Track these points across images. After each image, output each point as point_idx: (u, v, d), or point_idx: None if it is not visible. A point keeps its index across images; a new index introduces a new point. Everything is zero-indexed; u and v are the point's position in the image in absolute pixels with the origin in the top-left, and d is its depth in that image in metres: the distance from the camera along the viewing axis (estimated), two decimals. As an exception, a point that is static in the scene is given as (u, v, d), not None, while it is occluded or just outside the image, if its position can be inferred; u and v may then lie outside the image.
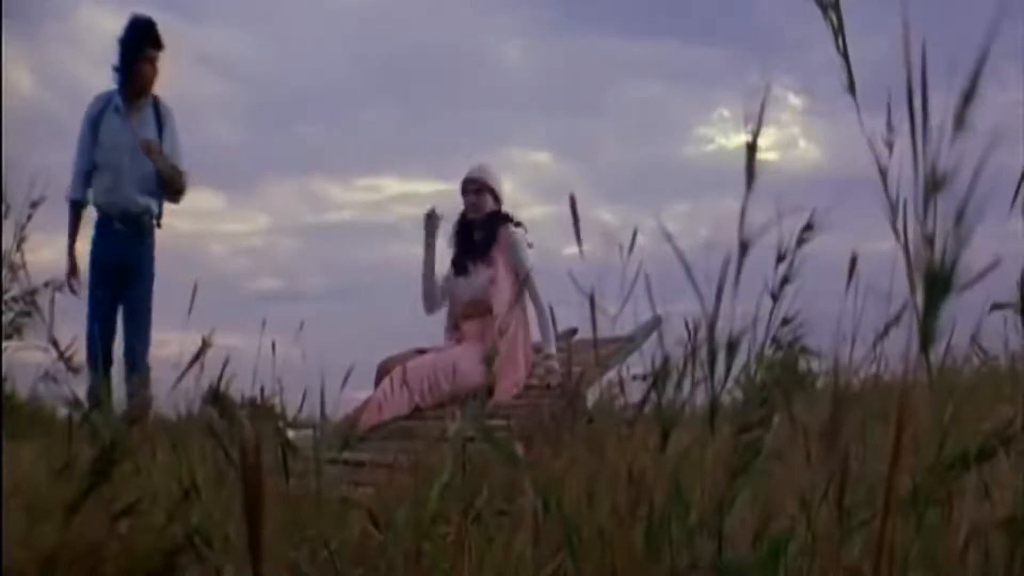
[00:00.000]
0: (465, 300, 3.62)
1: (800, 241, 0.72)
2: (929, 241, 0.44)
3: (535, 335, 3.56)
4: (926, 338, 0.45)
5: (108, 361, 3.45)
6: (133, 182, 3.74)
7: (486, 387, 3.25)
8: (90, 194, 3.79)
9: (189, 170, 3.88)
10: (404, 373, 3.30)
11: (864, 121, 0.60)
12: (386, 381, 3.34)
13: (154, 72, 3.80)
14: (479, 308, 3.57)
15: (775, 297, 0.73)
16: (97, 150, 3.73)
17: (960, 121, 0.43)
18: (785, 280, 0.72)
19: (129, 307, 3.72)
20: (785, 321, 0.75)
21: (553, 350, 3.46)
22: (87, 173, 3.76)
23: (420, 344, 3.63)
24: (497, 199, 3.66)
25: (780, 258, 0.72)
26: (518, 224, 3.64)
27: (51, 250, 3.84)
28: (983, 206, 0.42)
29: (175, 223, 3.99)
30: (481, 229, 3.63)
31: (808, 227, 0.72)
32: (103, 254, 3.73)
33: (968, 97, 0.43)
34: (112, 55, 3.79)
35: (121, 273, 3.69)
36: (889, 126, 0.57)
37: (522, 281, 3.50)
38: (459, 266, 3.66)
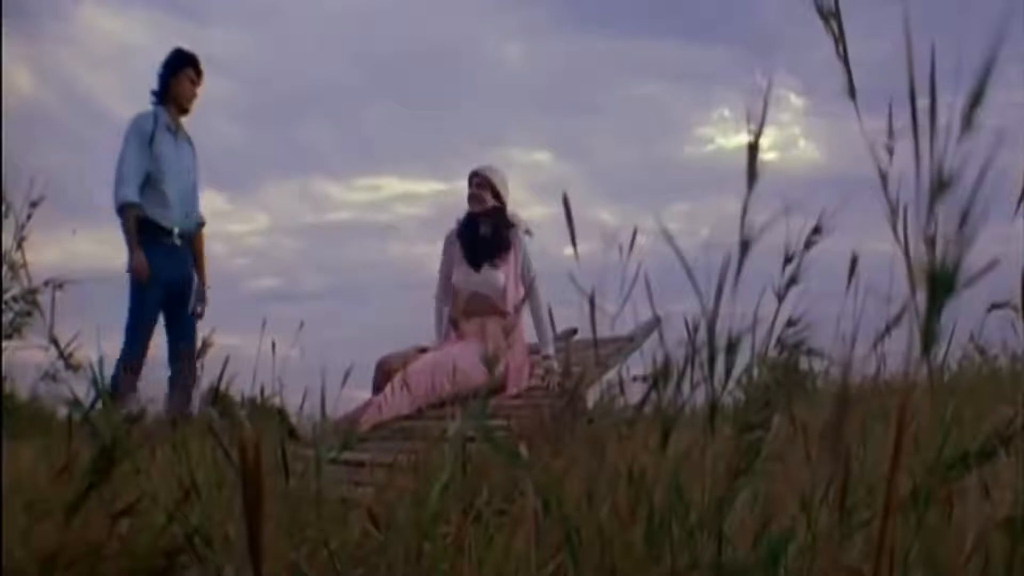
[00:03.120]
0: (470, 292, 3.61)
1: (808, 243, 0.72)
2: (931, 243, 0.44)
3: (530, 336, 3.58)
4: (928, 339, 0.45)
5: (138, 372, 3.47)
6: (191, 201, 3.94)
7: (487, 387, 3.25)
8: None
9: None
10: (406, 377, 3.30)
11: (865, 123, 0.60)
12: (388, 387, 3.33)
13: (194, 94, 3.97)
14: (482, 305, 3.58)
15: (780, 298, 0.72)
16: (152, 164, 3.75)
17: (968, 122, 0.43)
18: (792, 281, 0.72)
19: (183, 321, 3.83)
20: (791, 323, 0.75)
21: (551, 351, 3.46)
22: (142, 179, 3.73)
23: (421, 343, 3.63)
24: (498, 198, 3.68)
25: (787, 260, 0.71)
26: (527, 232, 3.67)
27: (51, 250, 3.82)
28: (987, 208, 0.42)
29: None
30: (486, 224, 3.63)
31: (817, 230, 0.72)
32: (158, 271, 3.70)
33: (976, 98, 0.43)
34: (120, 62, 3.96)
35: (172, 288, 3.76)
36: (891, 131, 0.57)
37: (528, 286, 3.52)
38: (470, 258, 3.66)
